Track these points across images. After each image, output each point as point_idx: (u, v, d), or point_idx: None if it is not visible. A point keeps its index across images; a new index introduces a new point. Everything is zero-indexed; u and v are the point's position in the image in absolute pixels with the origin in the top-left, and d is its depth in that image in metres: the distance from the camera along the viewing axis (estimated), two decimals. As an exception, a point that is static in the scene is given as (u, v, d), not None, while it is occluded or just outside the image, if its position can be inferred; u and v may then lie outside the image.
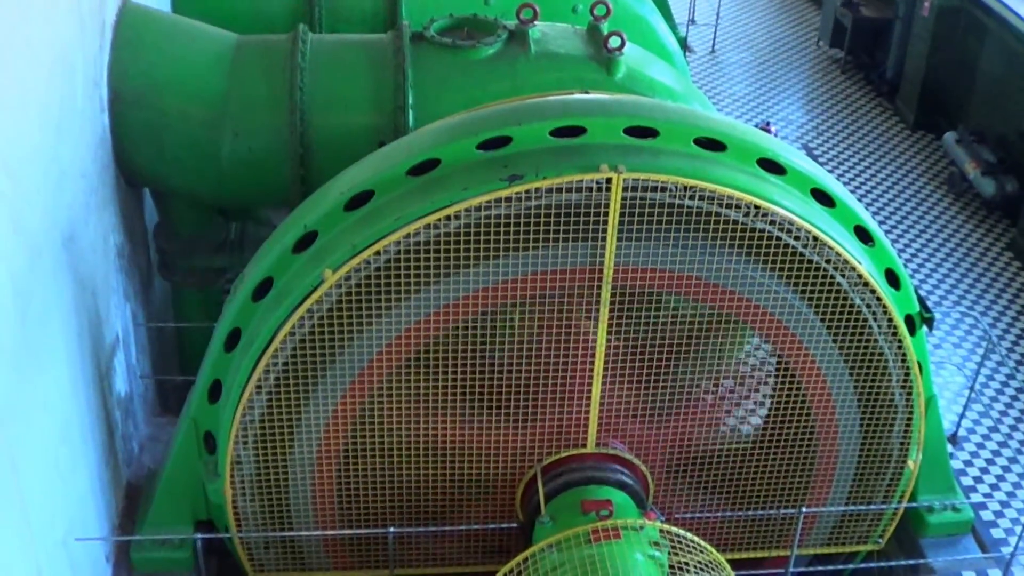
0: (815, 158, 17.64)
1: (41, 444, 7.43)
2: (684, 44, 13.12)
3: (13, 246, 7.02)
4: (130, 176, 10.27)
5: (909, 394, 8.40)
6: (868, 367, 8.26)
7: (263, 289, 7.89)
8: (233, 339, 8.07)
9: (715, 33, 22.48)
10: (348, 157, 8.43)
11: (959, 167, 17.26)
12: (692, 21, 22.74)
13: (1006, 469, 11.27)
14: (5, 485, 6.73)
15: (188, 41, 10.25)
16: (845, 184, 16.81)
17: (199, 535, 8.34)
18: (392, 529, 8.19)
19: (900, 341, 8.15)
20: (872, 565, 9.41)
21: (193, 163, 10.07)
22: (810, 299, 7.90)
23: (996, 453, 11.28)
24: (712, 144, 7.69)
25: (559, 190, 7.28)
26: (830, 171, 17.04)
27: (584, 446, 8.31)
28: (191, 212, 10.89)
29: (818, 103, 20.29)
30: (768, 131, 8.76)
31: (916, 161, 18.26)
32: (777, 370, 8.43)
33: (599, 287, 7.60)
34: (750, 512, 8.76)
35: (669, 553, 7.47)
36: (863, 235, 8.12)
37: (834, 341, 8.11)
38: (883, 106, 20.09)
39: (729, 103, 20.04)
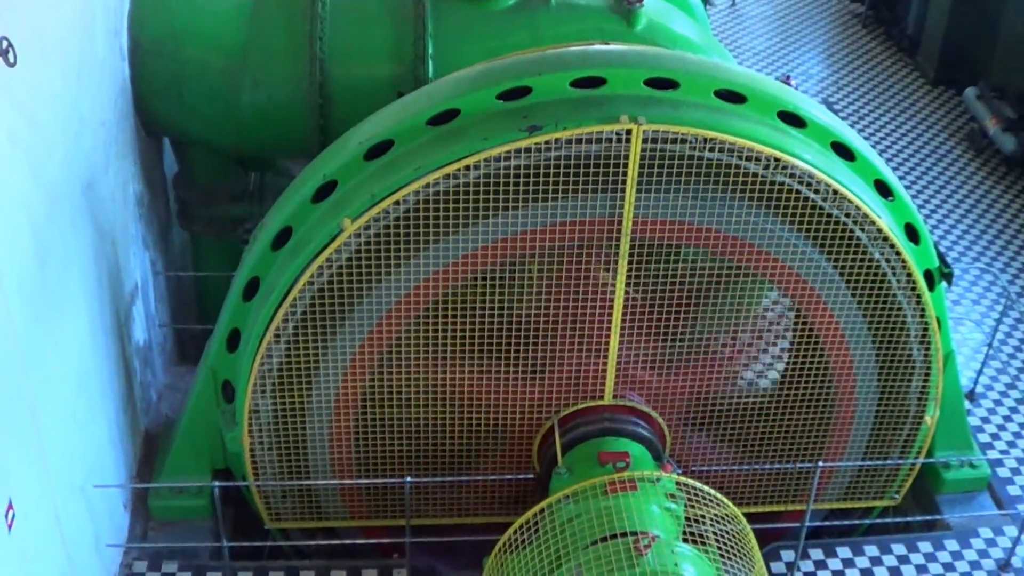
0: (835, 112, 17.54)
1: (60, 391, 7.47)
2: (705, -4, 13.00)
3: (33, 194, 7.04)
4: (150, 125, 10.28)
5: (927, 350, 8.39)
6: (886, 322, 8.25)
7: (282, 238, 7.90)
8: (252, 288, 8.09)
9: (736, -14, 22.32)
10: (367, 107, 8.40)
11: (979, 123, 17.10)
12: (713, -26, 22.57)
13: None
14: (24, 432, 6.78)
15: (208, -10, 10.22)
16: (865, 139, 16.70)
17: (216, 483, 8.37)
18: (409, 479, 8.21)
19: (919, 296, 8.13)
20: (888, 520, 9.42)
21: (212, 112, 10.06)
22: (829, 253, 7.88)
23: (1014, 410, 11.23)
24: (732, 96, 7.65)
25: (579, 141, 7.26)
26: (850, 126, 16.94)
27: (601, 398, 8.31)
28: (210, 161, 10.89)
29: (838, 57, 20.11)
30: (788, 85, 8.70)
31: (936, 117, 18.11)
32: (795, 324, 8.42)
33: (618, 239, 7.59)
34: (767, 466, 8.77)
35: (685, 505, 7.48)
36: (883, 189, 8.09)
37: (853, 295, 8.09)
38: (903, 61, 19.90)
39: (749, 56, 19.86)
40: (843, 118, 17.04)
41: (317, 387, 8.10)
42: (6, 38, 5.57)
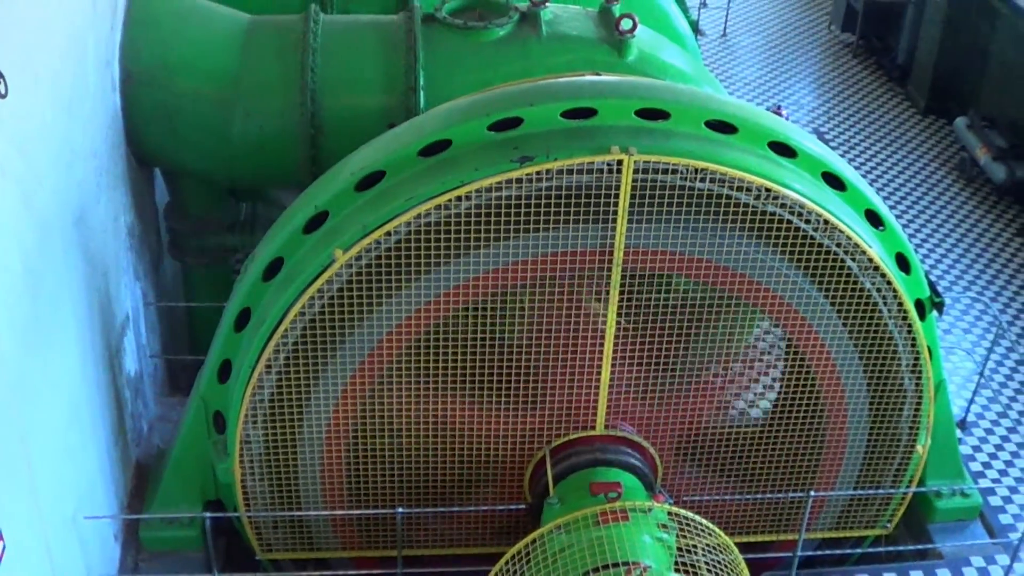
0: (826, 142, 17.59)
1: (51, 422, 7.44)
2: (696, 27, 13.05)
3: (24, 225, 7.03)
4: (141, 156, 10.29)
5: (918, 379, 8.39)
6: (878, 351, 8.24)
7: (273, 269, 7.89)
8: (243, 319, 8.08)
9: (727, 16, 22.40)
10: (359, 138, 8.41)
11: (970, 152, 17.20)
12: (704, 4, 22.62)
13: (1015, 455, 11.26)
14: (15, 462, 6.75)
15: (200, 21, 10.24)
16: (856, 168, 16.72)
17: (208, 514, 8.32)
18: (400, 509, 8.20)
19: (910, 326, 8.14)
20: (880, 550, 9.40)
21: (204, 143, 10.08)
22: (820, 283, 7.88)
23: (1005, 439, 11.27)
24: (723, 127, 7.67)
25: (570, 172, 7.27)
26: (841, 155, 16.96)
27: (593, 428, 8.31)
28: (202, 192, 10.91)
29: (829, 87, 20.23)
30: (779, 115, 8.72)
31: (927, 146, 18.21)
32: (786, 354, 8.42)
33: (609, 269, 7.59)
34: (759, 495, 8.76)
35: (677, 535, 7.47)
36: (874, 219, 8.10)
37: (844, 325, 8.09)
38: (894, 91, 20.03)
39: (740, 87, 19.97)
40: (834, 148, 17.12)
41: (308, 418, 8.08)
42: (-4, 69, 5.58)
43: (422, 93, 9.87)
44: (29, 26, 7.23)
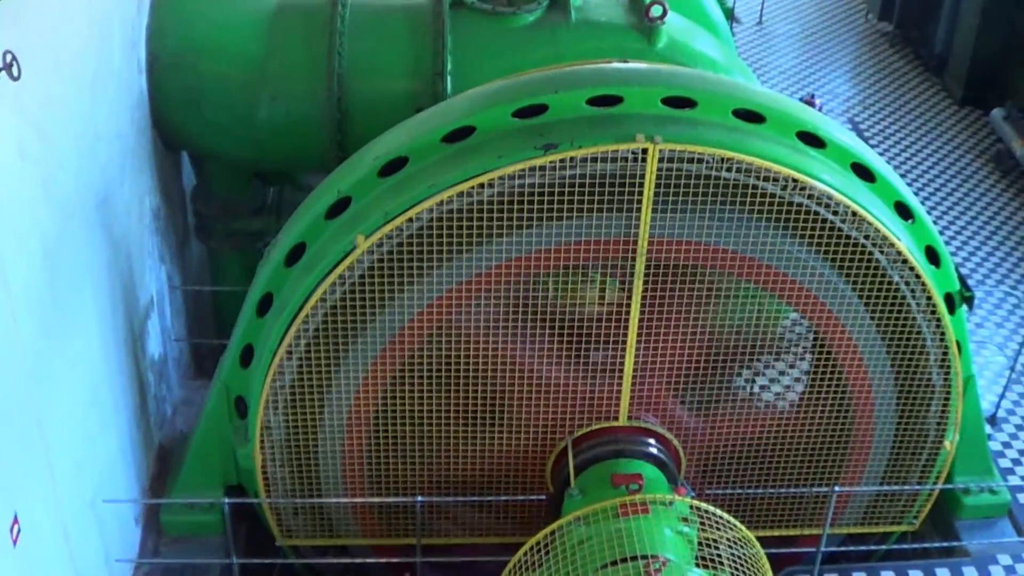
0: (861, 132, 17.42)
1: (69, 405, 7.43)
2: (730, 15, 12.88)
3: (43, 207, 7.01)
4: (168, 139, 10.28)
5: (947, 374, 8.28)
6: (906, 345, 8.14)
7: (296, 254, 7.87)
8: (265, 304, 8.06)
9: (763, 4, 22.20)
10: (386, 123, 8.36)
11: (1006, 144, 17.00)
12: (740, -9, 22.49)
13: (1046, 451, 11.14)
14: (31, 445, 6.74)
15: (227, 4, 10.22)
16: (890, 159, 16.57)
17: (228, 500, 8.32)
18: (420, 498, 8.16)
19: (939, 320, 8.03)
20: (906, 547, 9.31)
21: (231, 127, 10.07)
22: (848, 275, 7.79)
23: (1036, 435, 11.14)
24: (751, 116, 7.58)
25: (594, 160, 7.19)
26: (875, 146, 16.80)
27: (616, 419, 8.23)
28: (228, 175, 10.90)
29: (865, 77, 20.03)
30: (812, 104, 8.62)
31: (963, 137, 18.01)
32: (813, 347, 8.33)
33: (634, 258, 7.51)
34: (782, 490, 8.68)
35: (698, 529, 7.40)
36: (903, 211, 8.00)
37: (871, 318, 7.99)
38: (931, 81, 19.81)
39: (775, 75, 19.78)
40: (869, 138, 16.95)
41: (329, 404, 8.05)
42: (10, 52, 5.50)
43: (449, 79, 9.82)
44: (48, 8, 7.18)
